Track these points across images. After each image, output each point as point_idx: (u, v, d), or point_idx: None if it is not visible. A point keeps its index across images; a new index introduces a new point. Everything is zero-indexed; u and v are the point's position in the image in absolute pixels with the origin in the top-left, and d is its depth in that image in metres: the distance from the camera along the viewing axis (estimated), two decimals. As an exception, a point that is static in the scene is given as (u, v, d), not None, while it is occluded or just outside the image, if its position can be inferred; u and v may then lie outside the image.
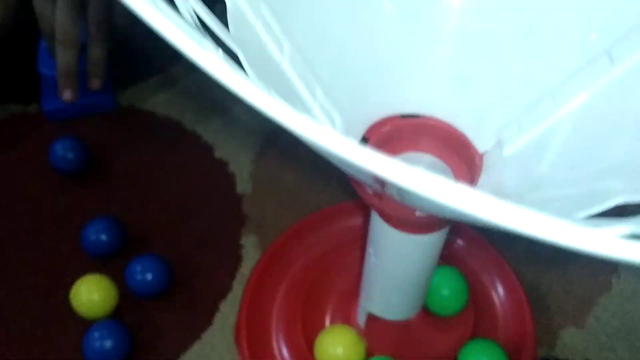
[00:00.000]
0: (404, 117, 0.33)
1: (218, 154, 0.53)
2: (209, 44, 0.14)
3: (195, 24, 0.18)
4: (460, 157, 0.32)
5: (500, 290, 0.45)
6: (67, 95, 0.50)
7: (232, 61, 0.18)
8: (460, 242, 0.48)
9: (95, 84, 0.51)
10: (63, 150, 0.49)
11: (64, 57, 0.49)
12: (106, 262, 0.46)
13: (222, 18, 0.22)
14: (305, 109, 0.27)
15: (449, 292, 0.42)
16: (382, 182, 0.24)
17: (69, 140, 0.50)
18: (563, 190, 0.23)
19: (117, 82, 0.55)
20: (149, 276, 0.44)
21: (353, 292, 0.43)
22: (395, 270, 0.36)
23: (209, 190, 0.51)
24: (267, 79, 0.24)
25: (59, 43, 0.49)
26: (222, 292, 0.46)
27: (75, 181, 0.51)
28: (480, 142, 0.31)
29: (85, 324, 0.42)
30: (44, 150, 0.50)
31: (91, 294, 0.43)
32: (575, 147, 0.26)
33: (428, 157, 0.33)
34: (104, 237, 0.46)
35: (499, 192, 0.28)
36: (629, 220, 0.15)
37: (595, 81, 0.27)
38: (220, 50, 0.17)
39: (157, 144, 0.53)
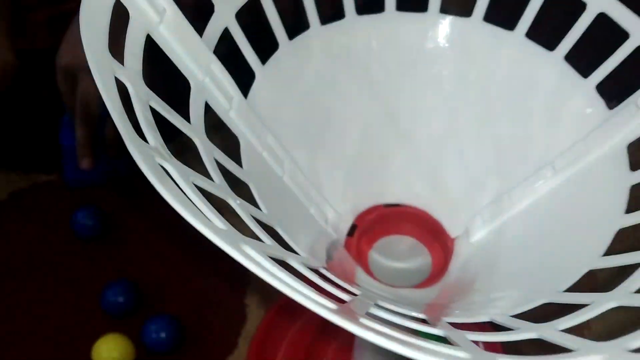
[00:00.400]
0: (388, 206, 0.40)
1: (226, 216, 0.60)
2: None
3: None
4: (436, 240, 0.39)
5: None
6: (85, 163, 0.57)
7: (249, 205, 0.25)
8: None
9: (112, 152, 0.59)
10: (83, 219, 0.56)
11: (83, 130, 0.56)
12: (123, 321, 0.53)
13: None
14: (303, 210, 0.34)
15: None
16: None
17: (89, 209, 0.57)
18: (505, 291, 0.30)
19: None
20: (163, 335, 0.51)
21: (350, 348, 0.50)
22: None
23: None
24: (271, 193, 0.31)
25: (79, 118, 0.56)
26: (229, 348, 0.53)
27: (94, 245, 0.58)
28: (453, 228, 0.39)
29: (106, 380, 0.48)
30: (66, 216, 0.58)
31: (111, 352, 0.50)
32: (522, 245, 0.33)
33: (409, 240, 0.40)
34: (121, 299, 0.53)
35: (465, 274, 0.36)
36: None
37: (541, 187, 0.34)
38: (238, 200, 0.24)
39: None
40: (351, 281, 0.35)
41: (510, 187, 0.36)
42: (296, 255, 0.26)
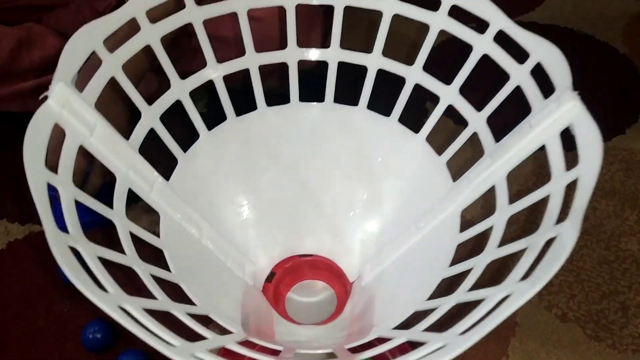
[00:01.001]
0: (301, 256, 0.50)
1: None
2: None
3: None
4: (341, 284, 0.49)
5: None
6: None
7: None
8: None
9: None
10: (68, 266, 0.67)
11: None
12: (101, 356, 0.63)
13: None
14: (220, 264, 0.44)
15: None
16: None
17: (73, 257, 0.68)
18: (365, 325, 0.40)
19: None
20: (132, 367, 0.61)
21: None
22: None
23: (183, 295, 0.68)
24: (190, 255, 0.41)
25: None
26: (191, 377, 0.62)
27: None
28: (351, 274, 0.48)
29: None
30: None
31: (88, 382, 0.60)
32: (390, 289, 0.42)
33: (320, 283, 0.50)
34: (98, 335, 0.63)
35: (353, 312, 0.45)
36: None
37: (407, 241, 0.44)
38: (142, 265, 0.34)
39: (144, 253, 0.71)
40: (268, 325, 0.45)
41: (389, 241, 0.45)
42: (188, 305, 0.36)
